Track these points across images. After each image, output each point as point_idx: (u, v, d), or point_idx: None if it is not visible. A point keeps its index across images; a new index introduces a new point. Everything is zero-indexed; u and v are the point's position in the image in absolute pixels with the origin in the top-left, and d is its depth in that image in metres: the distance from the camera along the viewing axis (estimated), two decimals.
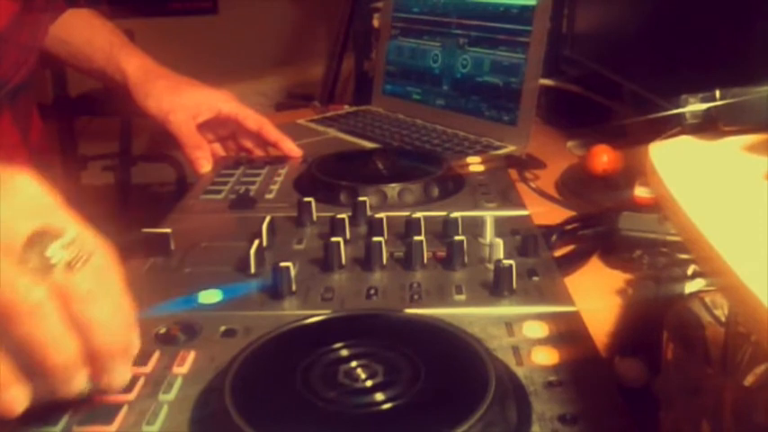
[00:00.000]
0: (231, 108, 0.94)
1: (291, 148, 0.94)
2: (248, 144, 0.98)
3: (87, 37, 0.94)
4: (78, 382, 0.40)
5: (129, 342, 0.42)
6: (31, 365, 0.38)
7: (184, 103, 0.91)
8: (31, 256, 0.38)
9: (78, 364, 0.40)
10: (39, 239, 0.39)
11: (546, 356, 0.47)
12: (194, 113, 0.92)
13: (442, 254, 0.62)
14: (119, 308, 0.41)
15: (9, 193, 0.40)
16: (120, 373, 0.42)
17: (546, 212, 0.78)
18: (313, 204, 0.71)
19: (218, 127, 0.96)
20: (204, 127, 0.93)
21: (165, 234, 0.65)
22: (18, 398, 0.38)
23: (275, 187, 0.82)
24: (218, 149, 0.98)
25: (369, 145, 1.09)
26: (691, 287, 0.56)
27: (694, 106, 0.48)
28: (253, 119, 0.95)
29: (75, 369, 0.40)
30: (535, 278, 0.58)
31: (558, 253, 0.70)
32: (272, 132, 0.95)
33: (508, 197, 0.77)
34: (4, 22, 0.79)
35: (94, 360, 0.40)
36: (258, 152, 0.98)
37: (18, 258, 0.38)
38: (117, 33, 0.95)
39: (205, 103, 0.93)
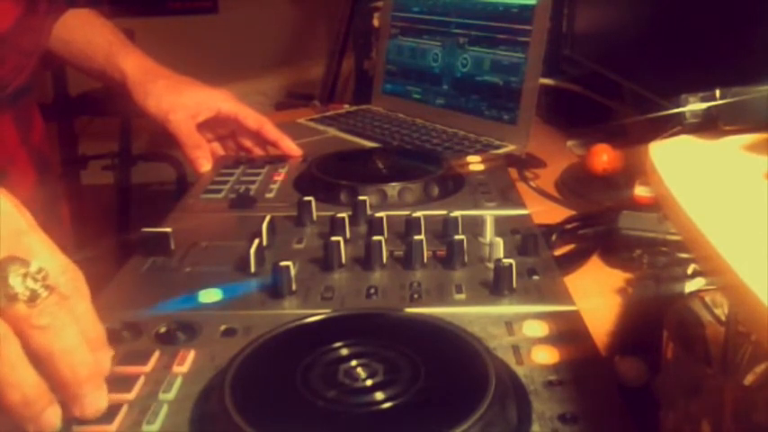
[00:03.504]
0: (231, 107, 0.94)
1: (291, 147, 0.94)
2: (248, 143, 0.98)
3: (87, 36, 0.94)
4: (48, 419, 0.40)
5: (96, 367, 0.41)
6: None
7: (184, 103, 0.91)
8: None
9: (43, 400, 0.39)
10: (3, 269, 0.38)
11: (546, 355, 0.47)
12: (194, 113, 0.92)
13: (442, 253, 0.62)
14: (84, 334, 0.41)
15: None
16: (94, 400, 0.41)
17: (546, 212, 0.78)
18: (313, 204, 0.71)
19: (217, 126, 0.96)
20: (204, 126, 0.93)
21: (165, 233, 0.65)
22: None
23: (275, 186, 0.82)
24: (218, 149, 0.98)
25: (369, 144, 1.09)
26: (691, 286, 0.56)
27: (694, 105, 0.48)
28: (252, 118, 0.95)
29: (39, 405, 0.39)
30: (535, 277, 0.59)
31: (558, 252, 0.70)
32: (271, 131, 0.95)
33: (508, 196, 0.77)
34: (5, 24, 0.79)
35: (62, 390, 0.40)
36: (258, 151, 0.98)
37: None
38: (117, 33, 0.95)
39: (205, 102, 0.93)
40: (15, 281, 0.38)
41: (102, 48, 0.93)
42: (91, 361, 0.41)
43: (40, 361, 0.39)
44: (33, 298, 0.39)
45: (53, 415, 0.40)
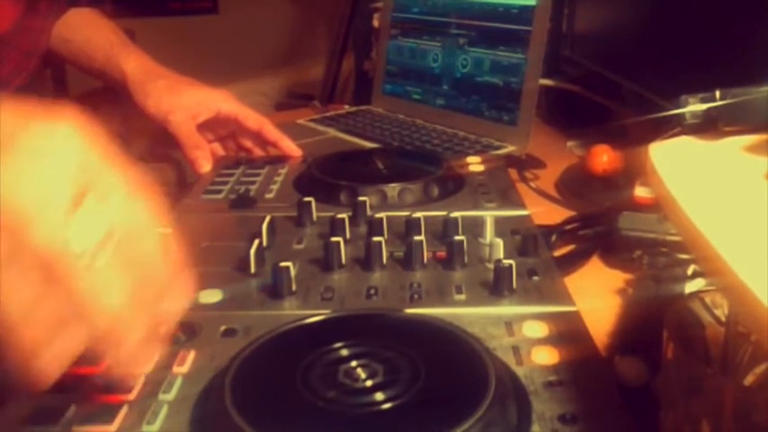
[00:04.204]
0: (231, 108, 0.94)
1: (291, 147, 0.94)
2: (248, 144, 0.98)
3: (88, 36, 0.94)
4: (134, 331, 0.39)
5: (146, 328, 0.40)
6: (86, 319, 0.37)
7: (184, 103, 0.92)
8: (77, 216, 0.37)
9: (131, 314, 0.38)
10: (84, 199, 0.38)
11: (546, 356, 0.47)
12: (194, 113, 0.92)
13: (442, 254, 0.62)
14: (162, 260, 0.41)
15: (52, 146, 0.38)
16: (135, 360, 0.40)
17: (546, 212, 0.78)
18: (313, 204, 0.71)
19: (217, 127, 0.96)
20: (204, 127, 0.93)
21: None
22: (51, 364, 0.37)
23: (275, 187, 0.82)
24: (218, 149, 0.98)
25: (369, 145, 1.09)
26: (691, 287, 0.56)
27: (694, 106, 0.48)
28: (253, 118, 0.95)
29: (128, 319, 0.38)
30: (535, 278, 0.59)
31: (558, 253, 0.70)
32: (271, 132, 0.95)
33: (508, 197, 0.77)
34: (5, 25, 0.79)
35: (109, 346, 0.39)
36: (258, 152, 0.98)
37: (64, 217, 0.37)
38: (117, 33, 0.96)
39: (205, 102, 0.93)
40: (97, 210, 0.38)
41: (103, 47, 0.93)
42: (136, 319, 0.39)
43: (125, 285, 0.38)
44: (115, 226, 0.38)
45: (137, 329, 0.39)
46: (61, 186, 0.37)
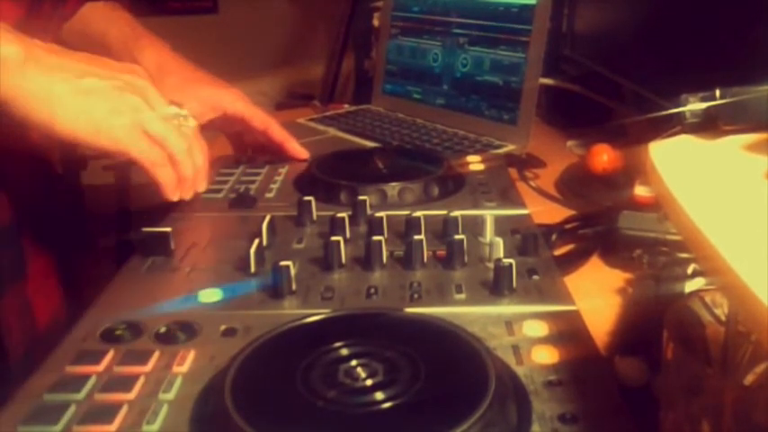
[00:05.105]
0: (238, 108, 0.93)
1: (297, 149, 0.93)
2: (254, 143, 0.98)
3: (104, 29, 0.93)
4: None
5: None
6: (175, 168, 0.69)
7: (189, 103, 0.91)
8: (170, 118, 0.69)
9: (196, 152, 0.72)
10: (170, 107, 0.70)
11: (546, 355, 0.47)
12: (198, 113, 0.91)
13: (442, 253, 0.62)
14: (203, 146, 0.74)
15: (141, 79, 0.69)
16: (205, 185, 0.75)
17: (546, 211, 0.78)
18: (313, 203, 0.71)
19: (224, 125, 0.96)
20: (210, 125, 0.93)
21: (165, 233, 0.65)
22: (172, 175, 0.69)
23: (275, 186, 0.82)
24: (228, 147, 0.98)
25: (369, 144, 1.09)
26: (691, 286, 0.56)
27: (694, 105, 0.48)
28: (259, 118, 0.94)
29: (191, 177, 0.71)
30: (535, 277, 0.59)
31: (558, 252, 0.70)
32: (277, 132, 0.94)
33: (508, 196, 0.77)
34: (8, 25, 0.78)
35: (196, 174, 0.72)
36: (264, 152, 0.97)
37: (164, 119, 0.68)
38: (134, 25, 0.95)
39: (211, 102, 0.92)
40: (179, 114, 0.72)
41: (119, 40, 0.92)
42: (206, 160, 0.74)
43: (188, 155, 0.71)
44: (185, 123, 0.72)
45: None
46: (160, 101, 0.70)
